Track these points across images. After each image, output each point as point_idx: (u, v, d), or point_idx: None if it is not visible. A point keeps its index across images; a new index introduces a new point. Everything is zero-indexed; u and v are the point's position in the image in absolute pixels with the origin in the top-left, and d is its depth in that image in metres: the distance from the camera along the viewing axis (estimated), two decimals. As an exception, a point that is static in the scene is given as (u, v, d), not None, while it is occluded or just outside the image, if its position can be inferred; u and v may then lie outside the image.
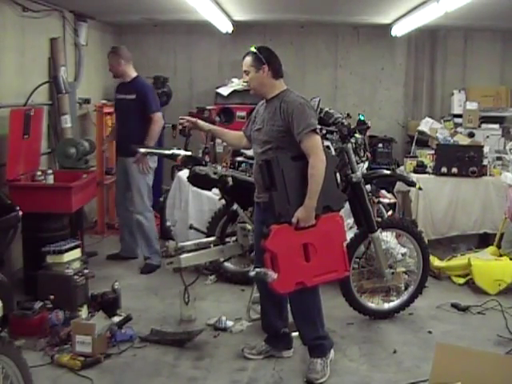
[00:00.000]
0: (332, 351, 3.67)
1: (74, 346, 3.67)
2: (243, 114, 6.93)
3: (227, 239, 4.29)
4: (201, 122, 3.91)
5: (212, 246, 4.22)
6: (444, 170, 5.84)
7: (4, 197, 3.47)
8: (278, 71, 3.48)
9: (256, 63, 3.44)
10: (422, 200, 5.75)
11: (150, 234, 5.43)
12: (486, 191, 5.82)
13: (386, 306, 4.42)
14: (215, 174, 4.09)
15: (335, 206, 3.48)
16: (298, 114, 3.32)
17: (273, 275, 3.26)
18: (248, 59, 3.47)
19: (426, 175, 5.95)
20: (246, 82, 3.57)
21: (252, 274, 3.37)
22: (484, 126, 7.22)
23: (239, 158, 5.54)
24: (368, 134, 5.19)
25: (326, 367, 3.55)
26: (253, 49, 3.48)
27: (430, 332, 4.18)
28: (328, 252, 3.43)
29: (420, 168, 6.04)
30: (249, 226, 4.13)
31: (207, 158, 6.05)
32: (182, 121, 3.91)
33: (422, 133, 7.15)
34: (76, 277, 4.17)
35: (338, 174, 3.55)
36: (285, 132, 3.36)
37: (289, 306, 3.72)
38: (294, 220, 3.29)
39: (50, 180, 4.97)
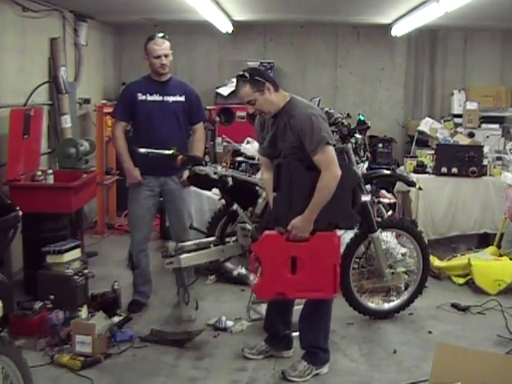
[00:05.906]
0: (326, 367, 3.54)
1: (73, 346, 3.67)
2: (243, 114, 6.93)
3: (227, 239, 4.28)
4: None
5: (212, 245, 4.22)
6: (444, 170, 5.83)
7: (4, 197, 3.47)
8: (275, 83, 3.31)
9: (257, 87, 3.21)
10: (421, 200, 5.75)
11: None
12: (486, 191, 5.81)
13: (386, 305, 4.42)
14: (215, 173, 4.09)
15: (343, 224, 3.38)
16: (307, 130, 3.15)
17: (253, 279, 3.25)
18: (246, 89, 3.22)
19: (426, 175, 5.95)
20: (256, 110, 3.29)
21: (235, 273, 3.34)
22: (484, 125, 7.24)
23: (239, 158, 5.55)
24: (368, 134, 5.19)
25: (308, 374, 3.45)
26: (245, 74, 3.22)
27: (430, 332, 4.18)
28: (317, 270, 3.28)
29: (420, 168, 6.04)
30: (249, 226, 4.12)
31: (207, 158, 6.05)
32: None
33: (422, 133, 7.17)
34: (76, 277, 4.17)
35: (358, 194, 3.39)
36: (297, 148, 3.22)
37: (293, 309, 3.70)
38: (289, 227, 3.24)
39: (50, 180, 4.96)
